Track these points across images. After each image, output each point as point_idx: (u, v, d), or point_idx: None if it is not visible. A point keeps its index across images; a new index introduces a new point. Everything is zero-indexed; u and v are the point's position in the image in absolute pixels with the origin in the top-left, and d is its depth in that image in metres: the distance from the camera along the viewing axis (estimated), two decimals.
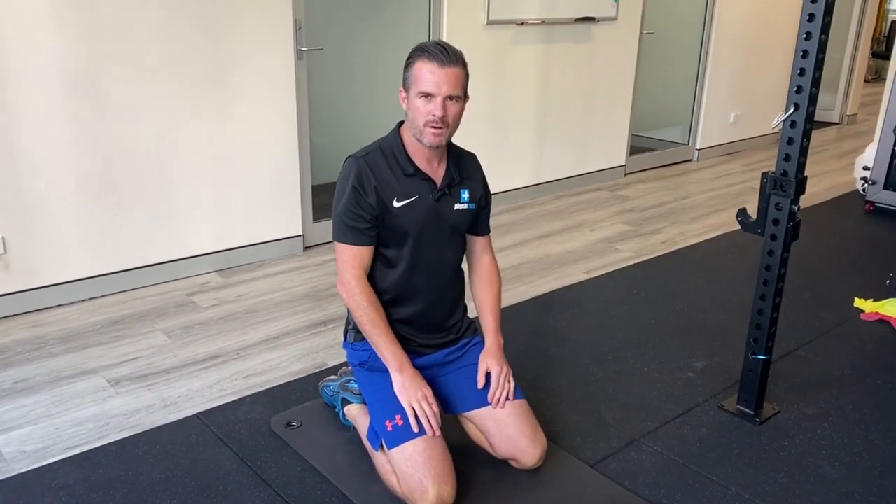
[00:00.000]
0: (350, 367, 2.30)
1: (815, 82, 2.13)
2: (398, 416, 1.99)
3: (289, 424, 2.36)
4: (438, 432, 1.98)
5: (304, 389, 2.57)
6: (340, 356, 2.78)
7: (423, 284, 2.12)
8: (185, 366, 2.74)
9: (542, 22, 4.62)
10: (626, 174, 5.61)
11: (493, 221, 2.31)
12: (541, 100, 4.83)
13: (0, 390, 2.55)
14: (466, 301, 2.28)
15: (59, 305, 3.19)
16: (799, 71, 2.13)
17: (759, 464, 2.24)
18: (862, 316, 3.26)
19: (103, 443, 2.27)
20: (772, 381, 2.56)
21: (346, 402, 2.32)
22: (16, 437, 2.30)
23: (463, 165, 2.16)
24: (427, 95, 1.93)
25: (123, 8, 3.07)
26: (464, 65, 1.97)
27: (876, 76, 10.35)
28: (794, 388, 2.67)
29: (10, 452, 2.23)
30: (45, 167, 3.04)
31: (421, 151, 2.06)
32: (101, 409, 2.45)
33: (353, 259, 2.04)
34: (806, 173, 2.23)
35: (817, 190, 5.23)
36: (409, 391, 2.00)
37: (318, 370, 2.71)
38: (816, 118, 2.23)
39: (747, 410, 2.48)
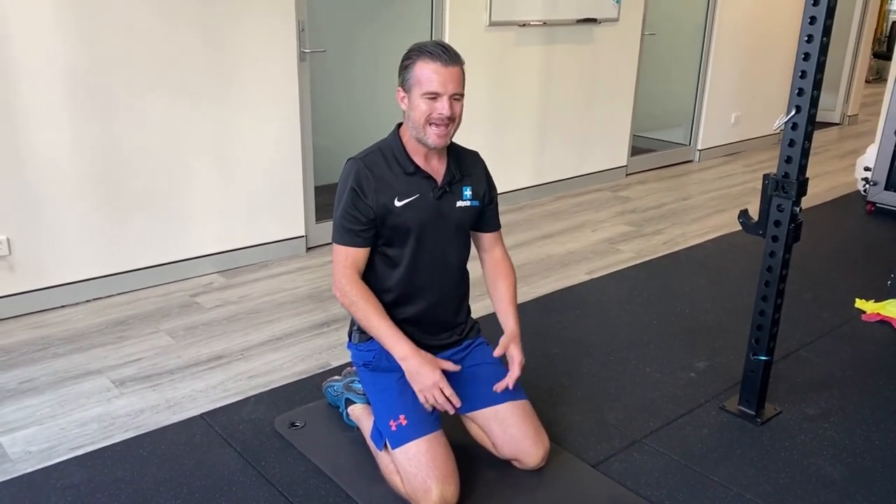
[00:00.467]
0: (354, 368, 2.31)
1: (817, 85, 2.13)
2: (402, 416, 2.00)
3: (292, 425, 2.37)
4: (459, 404, 1.97)
5: (307, 390, 2.58)
6: (344, 357, 2.79)
7: (426, 283, 2.13)
8: (189, 366, 2.75)
9: (544, 23, 4.63)
10: (627, 175, 5.61)
11: None
12: (542, 100, 4.84)
13: (5, 391, 2.56)
14: (470, 302, 2.29)
15: (64, 306, 3.20)
16: (800, 73, 2.14)
17: (760, 464, 2.25)
18: (863, 317, 3.27)
19: (108, 443, 2.28)
20: (773, 381, 2.56)
21: (349, 402, 2.33)
22: (21, 437, 2.32)
23: (463, 163, 2.17)
24: (433, 95, 1.94)
25: (126, 10, 3.08)
26: (462, 63, 1.99)
27: (877, 77, 10.35)
28: (795, 388, 2.67)
29: (15, 452, 2.24)
30: (49, 169, 3.05)
31: (421, 150, 2.07)
32: (106, 410, 2.47)
33: (345, 259, 2.05)
34: (807, 174, 2.24)
35: (818, 190, 5.23)
36: (421, 378, 1.96)
37: (321, 370, 2.72)
38: (817, 118, 2.24)
39: (749, 411, 2.49)
